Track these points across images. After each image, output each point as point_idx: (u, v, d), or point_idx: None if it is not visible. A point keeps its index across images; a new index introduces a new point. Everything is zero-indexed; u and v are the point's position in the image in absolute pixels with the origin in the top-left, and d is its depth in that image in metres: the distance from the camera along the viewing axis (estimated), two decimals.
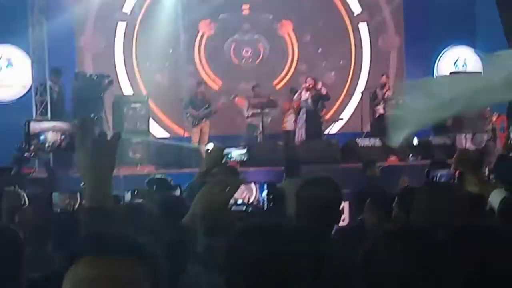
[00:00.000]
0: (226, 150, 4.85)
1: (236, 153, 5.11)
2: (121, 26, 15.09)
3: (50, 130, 2.44)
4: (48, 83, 12.15)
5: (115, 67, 14.89)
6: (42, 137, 2.44)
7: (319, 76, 14.40)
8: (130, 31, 15.14)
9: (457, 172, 3.57)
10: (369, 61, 16.24)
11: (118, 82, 14.71)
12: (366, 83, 15.85)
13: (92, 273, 1.34)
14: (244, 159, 5.00)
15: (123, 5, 15.00)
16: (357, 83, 16.07)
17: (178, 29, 15.15)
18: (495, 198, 3.20)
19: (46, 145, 2.46)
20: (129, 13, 15.12)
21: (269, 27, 15.88)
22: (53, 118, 10.53)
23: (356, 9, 16.15)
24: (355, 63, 16.23)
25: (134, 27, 15.14)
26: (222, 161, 4.24)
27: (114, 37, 15.02)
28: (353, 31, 16.19)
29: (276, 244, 1.85)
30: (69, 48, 14.22)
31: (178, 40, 15.21)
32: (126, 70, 15.08)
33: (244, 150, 5.18)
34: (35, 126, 2.41)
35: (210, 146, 12.99)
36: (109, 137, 1.95)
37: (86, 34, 14.64)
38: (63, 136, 2.41)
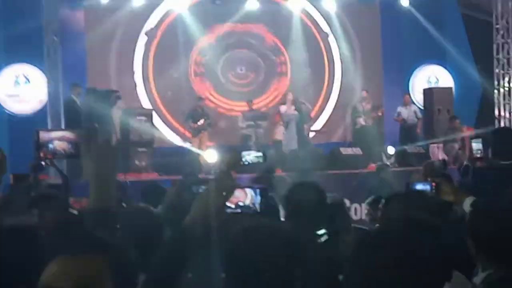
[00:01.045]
0: (243, 153, 4.87)
1: (253, 156, 5.16)
2: (140, 48, 15.20)
3: (58, 139, 2.46)
4: (69, 96, 12.19)
5: (134, 83, 15.00)
6: (50, 146, 2.47)
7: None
8: (147, 51, 15.25)
9: (433, 183, 3.56)
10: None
11: (137, 96, 14.92)
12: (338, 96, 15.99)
13: (57, 272, 1.36)
14: (262, 161, 5.03)
15: (140, 30, 15.09)
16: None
17: (185, 50, 15.23)
18: (467, 204, 3.21)
19: (55, 152, 2.48)
20: (146, 36, 15.22)
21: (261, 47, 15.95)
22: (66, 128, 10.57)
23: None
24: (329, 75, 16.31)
25: (150, 48, 15.23)
26: (240, 163, 4.22)
27: (133, 57, 15.11)
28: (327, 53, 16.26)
29: (269, 244, 1.85)
30: (81, 66, 14.23)
31: (184, 59, 15.28)
32: (144, 86, 15.16)
33: (260, 153, 5.19)
34: (44, 135, 2.43)
35: (209, 153, 13.06)
36: (110, 146, 1.96)
37: (109, 54, 14.72)
38: (70, 145, 2.44)
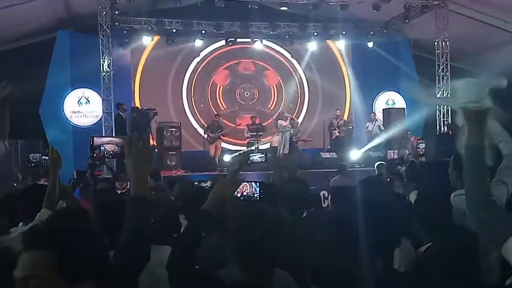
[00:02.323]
0: (251, 155, 4.99)
1: (258, 156, 5.29)
2: (185, 81, 15.39)
3: (107, 143, 2.51)
4: (118, 112, 12.22)
5: (183, 105, 15.28)
6: (102, 148, 2.51)
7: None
8: (190, 85, 15.38)
9: (388, 179, 3.60)
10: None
11: (185, 113, 15.22)
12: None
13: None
14: (264, 161, 5.13)
15: (166, 62, 15.12)
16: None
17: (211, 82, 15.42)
18: (413, 196, 3.29)
19: (105, 153, 2.52)
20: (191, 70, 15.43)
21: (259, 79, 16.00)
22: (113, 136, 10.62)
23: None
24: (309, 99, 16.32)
25: (192, 83, 15.41)
26: (249, 162, 4.23)
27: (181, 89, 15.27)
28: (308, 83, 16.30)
29: (266, 223, 1.87)
30: (128, 89, 14.33)
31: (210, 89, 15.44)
32: (189, 108, 15.40)
33: (264, 155, 5.35)
34: (97, 140, 2.47)
35: (227, 156, 13.11)
36: (147, 149, 1.98)
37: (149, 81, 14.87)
38: (116, 147, 2.48)
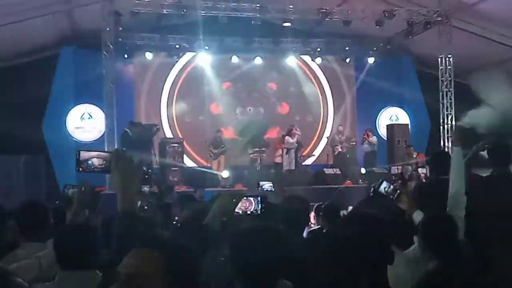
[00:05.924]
0: (261, 183, 5.33)
1: (268, 185, 5.53)
2: (165, 91, 15.24)
3: (95, 157, 2.54)
4: (124, 130, 12.14)
5: (160, 118, 15.07)
6: (89, 162, 2.53)
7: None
8: (171, 95, 15.31)
9: (398, 191, 3.60)
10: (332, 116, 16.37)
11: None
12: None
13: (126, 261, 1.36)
14: (271, 189, 5.43)
15: (166, 77, 15.19)
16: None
17: (206, 94, 15.36)
18: (416, 216, 3.32)
19: (92, 167, 2.55)
20: (171, 82, 15.29)
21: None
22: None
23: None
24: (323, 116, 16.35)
25: (174, 91, 15.31)
26: (258, 189, 4.32)
27: (160, 100, 15.18)
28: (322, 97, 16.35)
29: (266, 239, 1.89)
30: (130, 105, 14.42)
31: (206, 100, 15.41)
32: (168, 120, 15.23)
33: (271, 184, 5.62)
34: (84, 155, 2.50)
35: (225, 172, 13.09)
36: (133, 164, 1.98)
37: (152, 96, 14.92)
38: (104, 161, 2.49)
